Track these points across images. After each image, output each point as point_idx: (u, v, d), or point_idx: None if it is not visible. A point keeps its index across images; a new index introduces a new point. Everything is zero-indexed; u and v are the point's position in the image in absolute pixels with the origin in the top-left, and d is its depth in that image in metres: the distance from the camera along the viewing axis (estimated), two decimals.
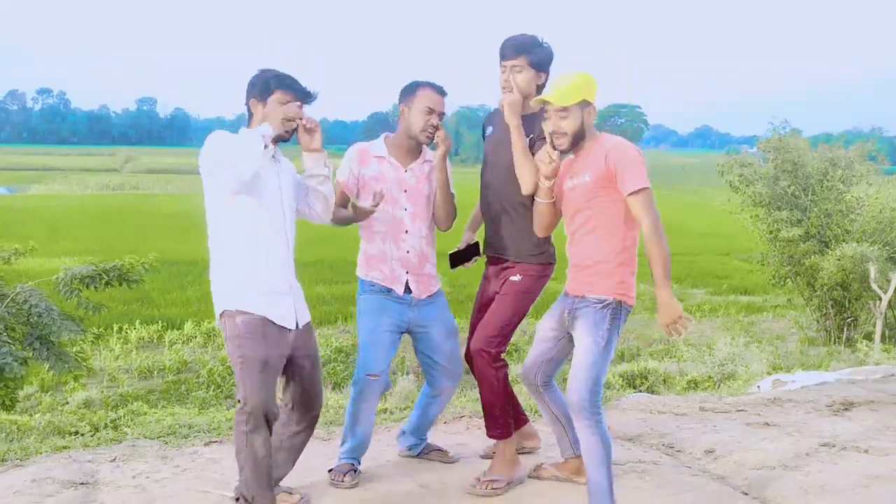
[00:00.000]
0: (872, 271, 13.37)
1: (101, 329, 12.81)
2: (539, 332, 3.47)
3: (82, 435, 4.77)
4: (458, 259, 3.82)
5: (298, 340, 3.19)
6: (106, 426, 5.51)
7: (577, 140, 3.21)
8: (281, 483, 3.37)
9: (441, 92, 3.62)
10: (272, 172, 3.12)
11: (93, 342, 11.65)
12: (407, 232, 3.65)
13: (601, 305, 3.20)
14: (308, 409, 3.32)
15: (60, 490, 3.51)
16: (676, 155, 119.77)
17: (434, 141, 3.62)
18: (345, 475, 3.63)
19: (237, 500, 3.07)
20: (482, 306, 3.76)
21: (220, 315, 3.10)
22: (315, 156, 3.26)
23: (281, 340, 3.09)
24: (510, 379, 3.74)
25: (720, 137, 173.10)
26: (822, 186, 15.02)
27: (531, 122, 3.49)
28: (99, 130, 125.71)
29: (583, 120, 3.19)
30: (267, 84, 3.11)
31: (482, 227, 3.85)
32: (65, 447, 4.25)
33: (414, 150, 3.69)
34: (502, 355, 3.58)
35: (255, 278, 3.07)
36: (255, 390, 2.99)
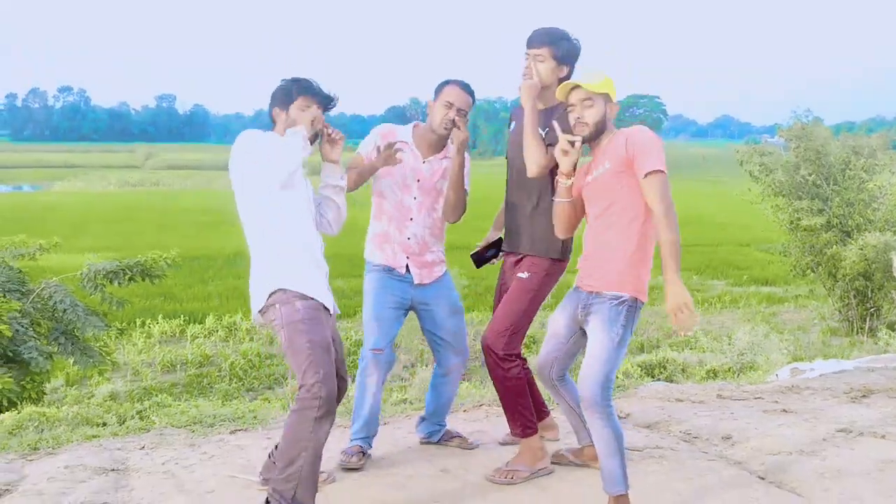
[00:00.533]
0: (895, 260, 13.28)
1: (124, 324, 13.05)
2: (551, 327, 3.47)
3: (110, 425, 4.87)
4: (480, 258, 3.89)
5: (333, 327, 3.27)
6: (132, 417, 5.62)
7: (598, 132, 3.23)
8: None
9: (466, 89, 3.71)
10: (301, 172, 3.22)
11: (116, 337, 11.85)
12: (411, 219, 3.77)
13: (617, 302, 3.20)
14: (339, 395, 3.34)
15: (92, 476, 3.61)
16: (696, 145, 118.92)
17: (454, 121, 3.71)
18: (352, 456, 3.72)
19: (267, 502, 2.99)
20: (499, 301, 3.79)
21: (272, 303, 3.07)
22: (333, 167, 3.35)
23: (329, 325, 3.18)
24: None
25: (740, 127, 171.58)
26: (844, 175, 14.91)
27: (548, 116, 3.51)
28: (119, 127, 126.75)
29: (605, 113, 3.22)
30: (288, 91, 3.19)
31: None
32: (95, 436, 4.36)
33: (436, 144, 3.80)
34: (516, 353, 3.59)
35: (305, 264, 3.14)
36: (328, 375, 2.98)
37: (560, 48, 3.50)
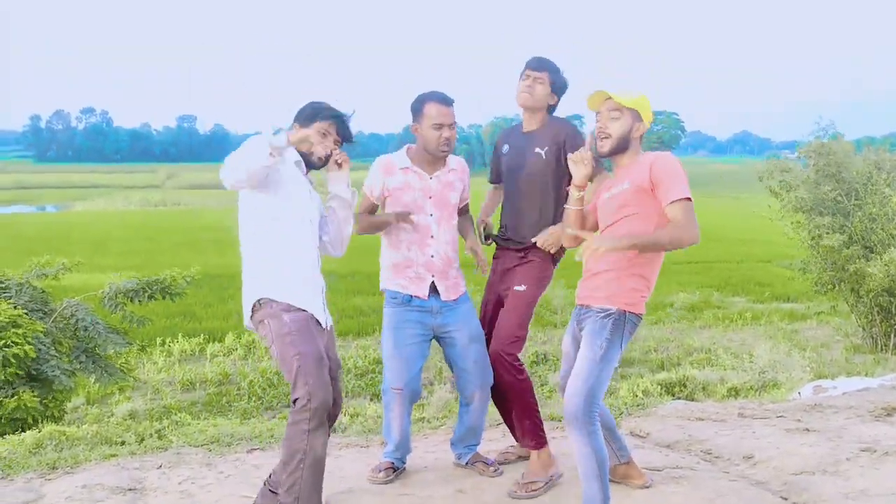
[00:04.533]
0: None
1: (144, 342, 13.11)
2: (563, 348, 3.50)
3: (129, 444, 4.89)
4: (489, 236, 3.94)
5: (327, 342, 3.24)
6: (151, 436, 5.64)
7: (619, 148, 3.20)
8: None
9: (446, 102, 3.66)
10: (303, 186, 3.23)
11: (137, 354, 11.91)
12: (433, 237, 3.72)
13: (603, 315, 3.17)
14: (332, 412, 3.33)
15: (110, 496, 3.62)
16: (714, 161, 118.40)
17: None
18: (380, 471, 3.76)
19: None
20: (487, 302, 3.92)
21: (260, 318, 3.10)
22: (339, 175, 3.36)
23: (322, 338, 3.16)
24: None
25: (759, 143, 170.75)
26: (866, 191, 14.76)
27: (530, 139, 3.72)
28: (141, 148, 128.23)
29: (631, 129, 3.19)
30: (316, 112, 3.24)
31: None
32: (113, 455, 4.37)
33: (436, 160, 3.76)
34: (520, 361, 3.70)
35: (294, 274, 3.13)
36: (318, 385, 2.97)
37: (557, 78, 3.73)
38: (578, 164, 3.27)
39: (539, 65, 3.70)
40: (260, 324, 3.11)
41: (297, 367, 2.99)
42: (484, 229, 3.94)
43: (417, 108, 3.69)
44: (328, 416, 3.26)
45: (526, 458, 3.95)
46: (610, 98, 3.19)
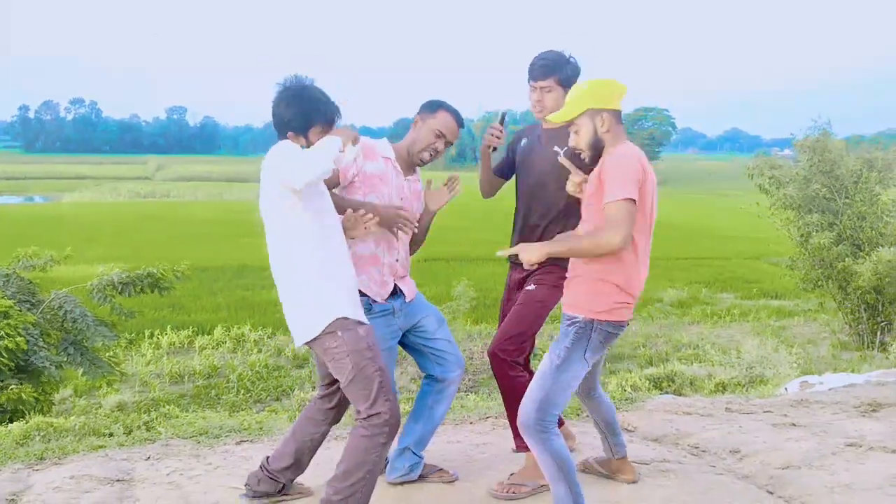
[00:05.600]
0: None
1: (133, 334, 13.07)
2: None
3: (117, 436, 4.88)
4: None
5: None
6: (139, 427, 5.63)
7: (597, 152, 3.08)
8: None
9: (460, 122, 3.54)
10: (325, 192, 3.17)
11: (125, 347, 11.88)
12: (398, 239, 3.55)
13: (568, 322, 3.10)
14: (342, 408, 3.38)
15: (98, 486, 3.61)
16: (705, 158, 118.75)
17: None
18: None
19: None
20: (504, 314, 3.81)
21: (331, 329, 2.97)
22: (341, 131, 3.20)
23: None
24: None
25: (750, 140, 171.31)
26: (856, 188, 14.84)
27: (556, 135, 3.57)
28: (130, 139, 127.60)
29: (595, 129, 3.05)
30: (308, 118, 3.06)
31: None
32: (101, 446, 4.36)
33: (410, 165, 3.60)
34: (522, 361, 3.62)
35: (349, 286, 3.08)
36: (395, 403, 3.00)
37: (564, 73, 3.55)
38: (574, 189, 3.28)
39: (542, 73, 3.55)
40: (329, 335, 2.97)
41: (378, 382, 2.97)
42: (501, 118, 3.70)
43: (432, 108, 3.54)
44: (339, 414, 3.39)
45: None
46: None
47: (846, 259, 14.19)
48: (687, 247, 26.51)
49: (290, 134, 3.08)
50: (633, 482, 3.68)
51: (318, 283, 3.00)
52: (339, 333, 2.96)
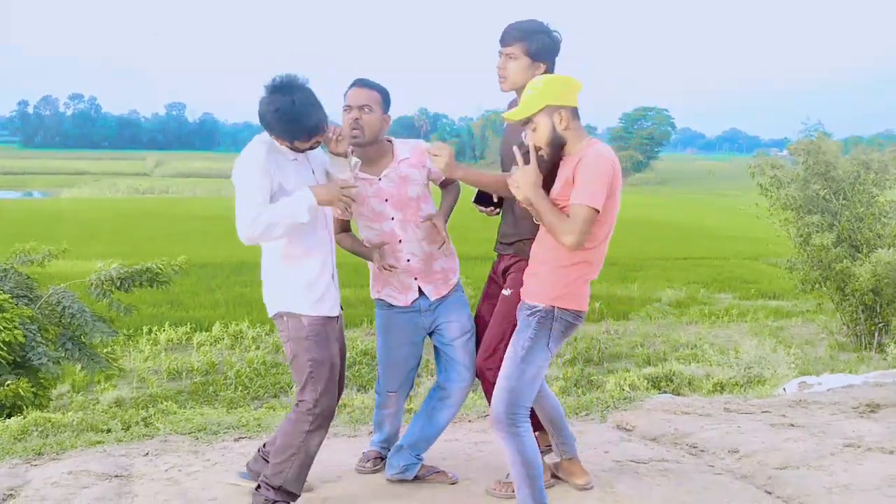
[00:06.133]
0: None
1: (131, 331, 13.07)
2: None
3: (115, 432, 4.87)
4: (483, 199, 3.55)
5: (339, 330, 3.30)
6: (137, 423, 5.62)
7: (556, 147, 3.02)
8: None
9: (359, 83, 3.38)
10: (306, 172, 3.14)
11: (123, 343, 11.87)
12: (401, 241, 3.46)
13: (529, 313, 3.06)
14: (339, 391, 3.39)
15: (96, 482, 3.61)
16: (704, 158, 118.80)
17: (353, 137, 3.32)
18: (368, 461, 3.75)
19: (258, 488, 3.16)
20: (484, 305, 3.69)
21: (280, 314, 3.15)
22: (339, 160, 3.23)
23: (338, 332, 3.25)
24: None
25: (748, 140, 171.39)
26: (853, 190, 14.86)
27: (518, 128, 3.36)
28: (129, 135, 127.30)
29: (553, 126, 2.98)
30: (294, 131, 3.01)
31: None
32: (99, 442, 4.36)
33: (377, 156, 3.44)
34: None
35: (310, 279, 3.13)
36: (325, 393, 3.11)
37: (534, 43, 3.26)
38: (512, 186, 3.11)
39: (510, 36, 3.28)
40: (279, 319, 3.17)
41: (308, 372, 3.11)
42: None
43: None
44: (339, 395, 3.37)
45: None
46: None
47: (844, 260, 14.22)
48: (685, 247, 26.53)
49: (274, 138, 3.08)
50: (586, 487, 3.57)
51: (281, 270, 3.14)
52: (285, 319, 3.13)
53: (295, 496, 3.17)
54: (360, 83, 3.40)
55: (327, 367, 3.13)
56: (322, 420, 3.13)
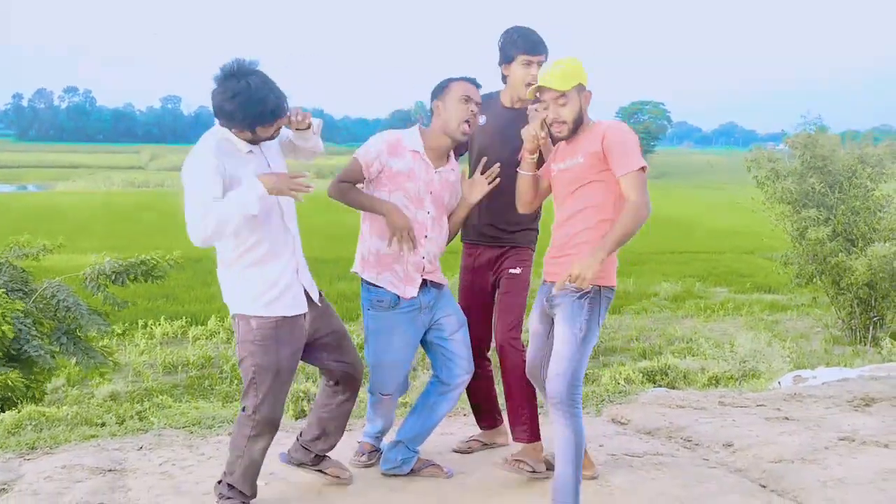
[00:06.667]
0: None
1: (126, 325, 13.05)
2: (531, 327, 3.42)
3: (109, 426, 4.86)
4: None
5: (317, 322, 3.18)
6: (132, 417, 5.62)
7: (577, 127, 3.15)
8: (330, 455, 3.48)
9: (475, 83, 3.45)
10: (262, 167, 3.01)
11: (118, 337, 11.86)
12: (426, 237, 3.46)
13: (579, 296, 3.11)
14: (349, 381, 3.34)
15: (89, 476, 3.59)
16: (700, 152, 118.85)
17: (468, 133, 3.41)
18: (363, 454, 3.73)
19: (219, 482, 3.18)
20: (468, 296, 3.79)
21: (234, 316, 3.10)
22: (304, 133, 3.17)
23: (294, 333, 3.08)
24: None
25: (745, 134, 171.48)
26: (849, 184, 14.88)
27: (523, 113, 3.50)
28: (124, 128, 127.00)
29: (581, 105, 3.13)
30: (252, 119, 2.90)
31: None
32: (93, 436, 4.35)
33: (445, 151, 3.50)
34: (525, 350, 3.59)
35: (267, 278, 3.02)
36: (266, 400, 3.04)
37: (548, 50, 3.59)
38: (528, 129, 3.22)
39: (544, 46, 3.56)
40: (233, 320, 3.11)
41: (250, 377, 3.04)
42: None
43: (442, 86, 3.43)
44: (349, 387, 3.34)
45: (490, 446, 3.97)
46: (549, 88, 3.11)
47: (840, 254, 14.24)
48: (681, 241, 26.56)
49: (234, 129, 2.95)
50: (593, 477, 3.59)
51: (236, 270, 3.04)
52: (237, 320, 3.07)
53: (246, 496, 3.15)
54: (477, 84, 3.48)
55: (270, 373, 3.02)
56: (263, 427, 3.07)
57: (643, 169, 3.03)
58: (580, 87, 3.13)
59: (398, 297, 3.46)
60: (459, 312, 3.65)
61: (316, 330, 3.19)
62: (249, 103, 2.86)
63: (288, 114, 3.03)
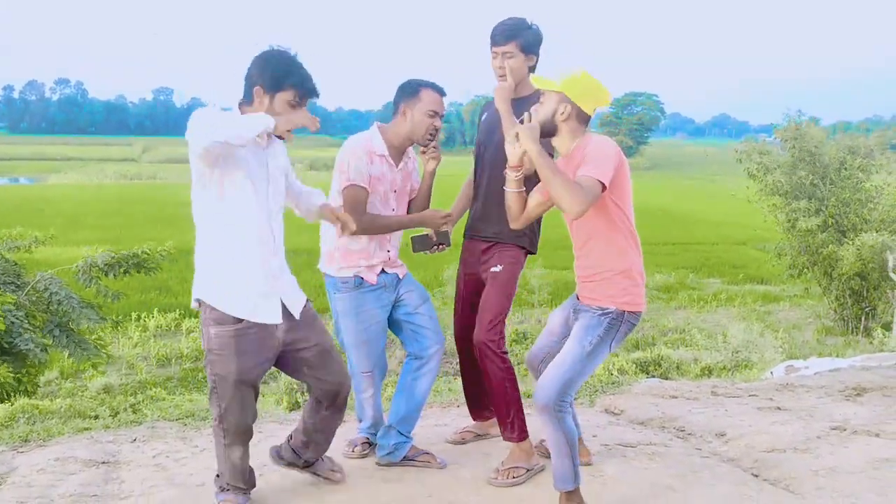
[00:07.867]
0: (891, 260, 13.31)
1: (119, 317, 13.01)
2: (549, 323, 3.45)
3: (102, 418, 4.86)
4: (422, 244, 3.69)
5: (296, 333, 3.04)
6: (125, 410, 5.61)
7: (545, 132, 3.08)
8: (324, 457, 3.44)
9: (442, 92, 3.56)
10: (261, 161, 2.92)
11: (111, 330, 11.83)
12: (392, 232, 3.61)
13: (601, 313, 3.15)
14: (332, 397, 3.21)
15: (83, 468, 3.59)
16: (693, 144, 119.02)
17: (430, 146, 3.56)
18: (356, 446, 3.74)
19: (218, 476, 3.18)
20: (464, 289, 3.83)
21: (200, 318, 2.97)
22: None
23: (263, 342, 2.95)
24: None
25: (738, 126, 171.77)
26: (839, 175, 14.93)
27: (520, 106, 3.44)
28: (116, 120, 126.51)
29: (553, 114, 3.06)
30: (281, 76, 2.85)
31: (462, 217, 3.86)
32: (86, 428, 4.34)
33: (405, 150, 3.64)
34: (503, 347, 3.61)
35: (236, 275, 2.90)
36: (230, 409, 2.98)
37: (525, 38, 3.51)
38: (510, 144, 3.11)
39: (503, 38, 3.50)
40: (201, 312, 2.97)
41: (211, 387, 3.00)
42: (436, 235, 3.64)
43: (412, 91, 3.51)
44: (333, 404, 3.22)
45: (483, 437, 4.01)
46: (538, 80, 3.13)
47: (831, 245, 14.30)
48: (674, 232, 26.61)
49: (256, 89, 2.86)
50: (588, 463, 3.64)
51: (202, 258, 2.93)
52: (201, 327, 2.99)
53: (242, 489, 3.15)
54: (444, 93, 3.57)
55: (230, 384, 2.92)
56: (234, 437, 3.02)
57: (603, 186, 2.91)
58: (562, 97, 3.05)
59: (362, 278, 3.56)
60: (421, 288, 3.75)
61: (294, 341, 3.05)
62: (288, 59, 2.90)
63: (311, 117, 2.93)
